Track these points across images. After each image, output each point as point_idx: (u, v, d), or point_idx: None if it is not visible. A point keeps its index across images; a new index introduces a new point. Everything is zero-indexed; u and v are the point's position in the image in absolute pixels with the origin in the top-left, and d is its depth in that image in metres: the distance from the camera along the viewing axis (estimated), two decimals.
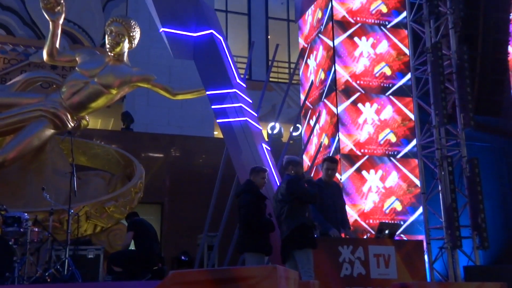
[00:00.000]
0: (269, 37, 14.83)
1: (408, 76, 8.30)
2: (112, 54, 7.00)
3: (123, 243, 6.36)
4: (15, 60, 11.70)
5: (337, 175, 7.67)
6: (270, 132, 11.41)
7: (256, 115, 7.41)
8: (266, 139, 7.65)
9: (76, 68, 7.07)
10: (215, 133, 12.68)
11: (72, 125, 7.00)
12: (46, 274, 5.26)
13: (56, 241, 5.62)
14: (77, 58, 7.09)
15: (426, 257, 7.14)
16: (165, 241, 9.20)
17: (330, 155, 7.92)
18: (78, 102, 6.93)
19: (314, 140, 8.60)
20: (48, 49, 6.92)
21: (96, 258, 6.07)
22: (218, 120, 6.87)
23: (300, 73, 9.43)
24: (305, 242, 4.57)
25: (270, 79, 12.22)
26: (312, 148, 8.69)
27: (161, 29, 7.00)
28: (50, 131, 6.86)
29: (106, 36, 7.01)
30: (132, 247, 6.35)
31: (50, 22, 6.76)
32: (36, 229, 5.53)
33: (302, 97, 9.10)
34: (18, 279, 4.98)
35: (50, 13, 6.69)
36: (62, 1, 6.71)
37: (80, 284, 5.18)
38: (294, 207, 4.68)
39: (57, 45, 6.94)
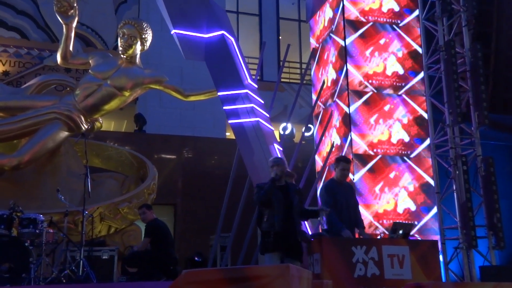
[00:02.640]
0: (280, 37, 14.82)
1: (421, 75, 8.22)
2: (124, 57, 7.06)
3: (139, 248, 6.36)
4: (29, 64, 11.86)
5: (350, 175, 7.64)
6: (282, 132, 11.37)
7: (268, 115, 7.41)
8: (278, 140, 7.65)
9: (90, 70, 7.15)
10: (227, 134, 12.70)
11: (86, 127, 7.07)
12: (62, 275, 5.32)
13: (71, 242, 5.68)
14: (90, 61, 7.17)
15: (441, 257, 7.06)
16: (178, 242, 9.24)
17: (343, 155, 7.88)
18: (92, 104, 7.00)
19: (326, 140, 8.56)
20: (62, 52, 7.01)
21: (111, 259, 6.12)
22: (230, 121, 6.88)
23: (312, 73, 9.40)
24: (264, 248, 4.69)
25: (282, 80, 12.21)
26: (324, 148, 8.66)
27: (173, 31, 7.04)
28: (64, 133, 6.94)
29: (119, 39, 7.08)
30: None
31: (64, 25, 6.85)
32: (51, 231, 5.61)
33: (314, 97, 9.08)
34: (34, 279, 5.04)
35: (64, 16, 6.78)
36: (75, 4, 6.79)
37: (95, 285, 5.23)
38: (260, 212, 4.81)
39: (71, 48, 7.02)
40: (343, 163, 5.41)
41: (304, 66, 14.18)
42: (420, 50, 8.31)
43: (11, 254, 5.06)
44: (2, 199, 6.23)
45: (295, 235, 4.72)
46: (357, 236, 5.40)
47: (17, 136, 6.95)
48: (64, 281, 5.27)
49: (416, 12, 8.43)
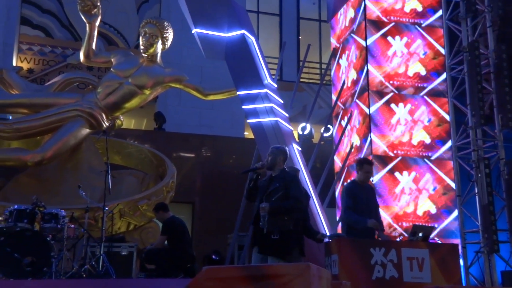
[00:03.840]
0: (300, 37, 14.78)
1: (444, 76, 8.11)
2: (146, 55, 7.13)
3: (155, 245, 6.41)
4: (53, 62, 12.07)
5: None
6: (300, 132, 11.35)
7: (287, 115, 7.40)
8: (297, 140, 7.62)
9: (111, 69, 7.24)
10: (246, 133, 12.72)
11: (107, 124, 7.16)
12: (82, 269, 5.39)
13: (91, 238, 5.76)
14: (112, 59, 7.26)
15: (461, 261, 6.95)
16: (196, 240, 9.28)
17: (363, 156, 7.82)
18: (113, 102, 7.08)
19: (346, 140, 8.51)
20: (84, 51, 7.12)
21: (130, 255, 6.18)
22: (249, 120, 6.89)
23: (332, 73, 9.35)
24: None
25: (301, 80, 12.16)
26: (343, 149, 8.61)
27: (194, 30, 7.08)
28: (86, 131, 7.04)
29: (140, 38, 7.15)
30: None
31: (87, 24, 6.95)
32: (73, 226, 5.68)
33: (334, 97, 9.03)
34: (55, 274, 5.12)
35: (87, 15, 6.88)
36: (98, 4, 6.88)
37: (114, 280, 5.29)
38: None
39: (93, 47, 7.12)
40: (366, 165, 5.38)
41: (323, 66, 14.11)
42: (443, 50, 8.19)
43: (33, 248, 5.15)
44: (25, 194, 6.36)
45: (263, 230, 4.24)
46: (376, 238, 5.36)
47: (41, 133, 7.07)
48: (84, 276, 5.34)
49: (440, 12, 8.31)
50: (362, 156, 7.79)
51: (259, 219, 4.29)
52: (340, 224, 5.71)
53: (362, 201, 5.24)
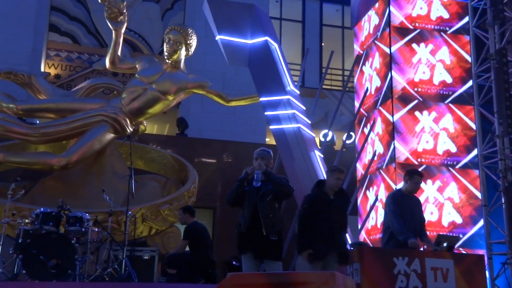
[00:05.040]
0: (323, 44, 14.75)
1: (470, 83, 7.97)
2: (169, 62, 7.21)
3: (177, 250, 6.45)
4: (79, 68, 12.32)
5: (391, 183, 7.49)
6: (322, 139, 11.31)
7: (309, 122, 7.37)
8: (319, 147, 7.58)
9: (136, 75, 7.34)
10: (267, 140, 12.71)
11: (131, 129, 7.25)
12: (105, 273, 5.45)
13: (114, 242, 5.81)
14: (137, 65, 7.36)
15: (487, 272, 6.78)
16: (217, 246, 9.29)
17: (385, 164, 7.73)
18: (137, 107, 7.17)
19: (369, 148, 8.42)
20: (110, 57, 7.24)
21: (151, 259, 6.22)
22: (271, 127, 6.90)
23: (355, 80, 9.30)
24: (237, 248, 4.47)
25: (323, 86, 12.13)
26: (365, 156, 8.52)
27: (217, 37, 7.14)
28: (110, 135, 7.14)
29: (164, 44, 7.24)
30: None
31: (113, 31, 7.07)
32: (96, 229, 5.76)
33: (357, 104, 8.96)
34: (79, 276, 5.19)
35: (113, 22, 7.00)
36: (125, 11, 7.00)
37: (136, 284, 5.33)
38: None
39: (119, 53, 7.24)
40: (417, 176, 5.34)
41: (346, 73, 14.04)
42: (469, 58, 8.06)
43: (58, 250, 5.23)
44: (51, 197, 6.47)
45: (263, 235, 4.33)
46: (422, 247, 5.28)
47: (66, 137, 7.20)
48: (107, 279, 5.40)
49: (466, 19, 8.19)
50: (383, 164, 7.70)
51: (250, 224, 4.34)
52: (381, 228, 5.62)
53: (407, 211, 5.19)
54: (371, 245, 7.44)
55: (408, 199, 5.29)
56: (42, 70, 11.91)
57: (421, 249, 5.23)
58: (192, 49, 7.35)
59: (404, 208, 5.17)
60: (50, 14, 12.50)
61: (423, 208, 7.35)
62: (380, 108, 8.12)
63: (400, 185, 5.93)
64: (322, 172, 6.58)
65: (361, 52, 9.08)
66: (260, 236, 4.33)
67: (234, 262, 8.40)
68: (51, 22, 12.47)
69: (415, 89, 7.82)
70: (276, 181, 4.48)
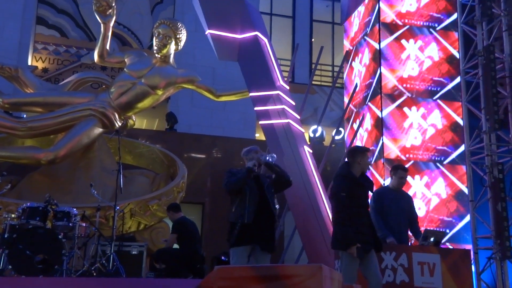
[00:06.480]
0: (313, 39, 14.77)
1: (458, 79, 8.04)
2: (159, 56, 7.17)
3: (166, 245, 6.44)
4: (67, 61, 12.20)
5: (380, 179, 7.54)
6: (312, 135, 11.34)
7: (298, 117, 7.38)
8: (308, 142, 7.59)
9: (125, 69, 7.29)
10: (257, 135, 12.72)
11: (120, 124, 7.21)
12: (92, 268, 5.43)
13: (102, 237, 5.79)
14: (125, 60, 7.31)
15: (473, 267, 6.87)
16: (206, 241, 9.30)
17: (374, 159, 7.78)
18: (126, 102, 7.13)
19: (357, 143, 8.46)
20: (98, 51, 7.18)
21: (140, 255, 6.20)
22: (260, 122, 6.88)
23: (345, 76, 9.32)
24: (229, 240, 4.31)
25: (313, 82, 12.16)
26: None
27: (207, 31, 7.09)
28: (98, 130, 7.10)
29: (154, 38, 7.20)
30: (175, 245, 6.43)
31: (102, 24, 7.01)
32: (84, 224, 5.73)
33: (346, 100, 8.99)
34: (66, 271, 5.16)
35: (102, 16, 6.94)
36: (113, 4, 6.94)
37: (124, 279, 5.31)
38: (232, 201, 4.45)
39: (107, 47, 7.18)
40: (401, 171, 5.34)
41: (336, 69, 14.07)
42: (457, 54, 8.12)
43: (45, 245, 5.19)
44: (38, 192, 6.42)
45: (271, 227, 4.34)
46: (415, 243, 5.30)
47: (54, 131, 7.14)
48: (94, 274, 5.38)
49: (454, 16, 8.24)
50: (372, 159, 7.75)
51: (257, 215, 4.23)
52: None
53: (391, 205, 5.18)
54: None
55: (394, 193, 5.29)
56: (30, 63, 11.77)
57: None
58: (182, 44, 7.32)
59: (387, 202, 5.16)
60: (38, 6, 12.35)
61: None
62: (369, 104, 8.16)
63: (388, 181, 5.97)
64: (311, 168, 6.59)
65: (351, 48, 9.11)
66: (266, 227, 4.30)
67: (223, 257, 8.40)
68: (39, 15, 12.32)
69: (404, 85, 7.87)
70: (282, 171, 4.56)
